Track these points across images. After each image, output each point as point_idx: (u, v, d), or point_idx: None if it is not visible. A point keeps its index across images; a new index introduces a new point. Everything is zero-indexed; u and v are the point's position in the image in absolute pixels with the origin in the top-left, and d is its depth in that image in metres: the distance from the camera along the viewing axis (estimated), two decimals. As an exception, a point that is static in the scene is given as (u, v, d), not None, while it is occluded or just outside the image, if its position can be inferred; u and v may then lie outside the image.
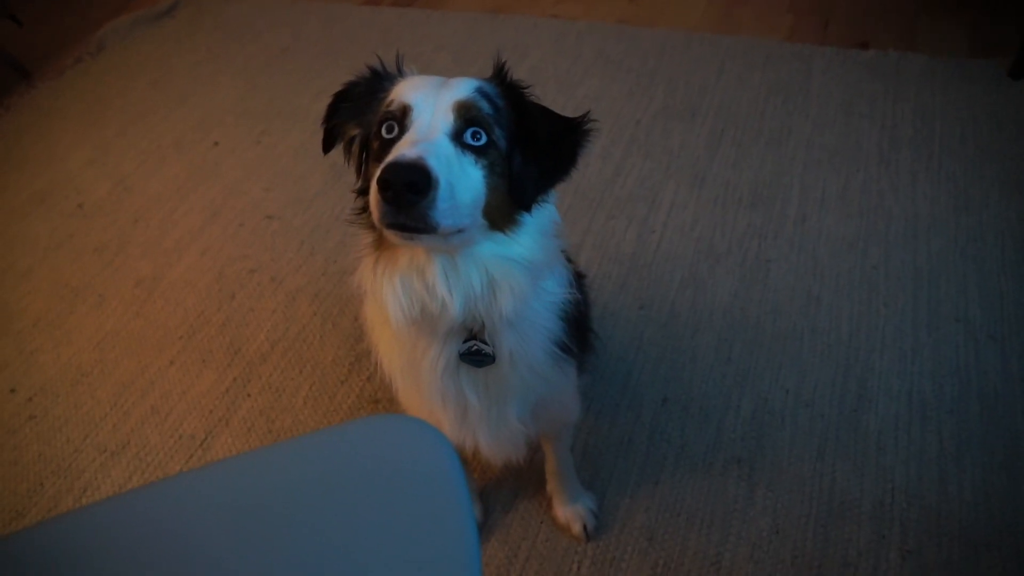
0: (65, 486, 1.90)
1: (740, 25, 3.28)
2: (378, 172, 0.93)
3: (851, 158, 2.55)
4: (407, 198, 0.92)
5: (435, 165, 0.94)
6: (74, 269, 2.49)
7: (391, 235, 1.00)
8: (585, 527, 1.68)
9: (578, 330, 1.30)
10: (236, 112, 3.07)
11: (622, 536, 1.70)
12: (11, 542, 0.80)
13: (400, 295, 1.08)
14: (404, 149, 0.96)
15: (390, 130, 1.04)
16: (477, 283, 1.07)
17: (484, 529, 1.73)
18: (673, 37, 3.22)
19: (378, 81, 1.14)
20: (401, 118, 1.04)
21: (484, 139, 1.03)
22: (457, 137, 1.02)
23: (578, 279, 1.36)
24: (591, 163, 2.48)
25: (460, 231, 1.00)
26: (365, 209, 1.13)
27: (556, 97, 2.87)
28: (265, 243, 2.47)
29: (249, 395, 2.04)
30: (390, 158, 0.95)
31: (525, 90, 1.13)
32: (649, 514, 1.73)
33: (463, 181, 1.00)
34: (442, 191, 0.94)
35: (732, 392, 1.94)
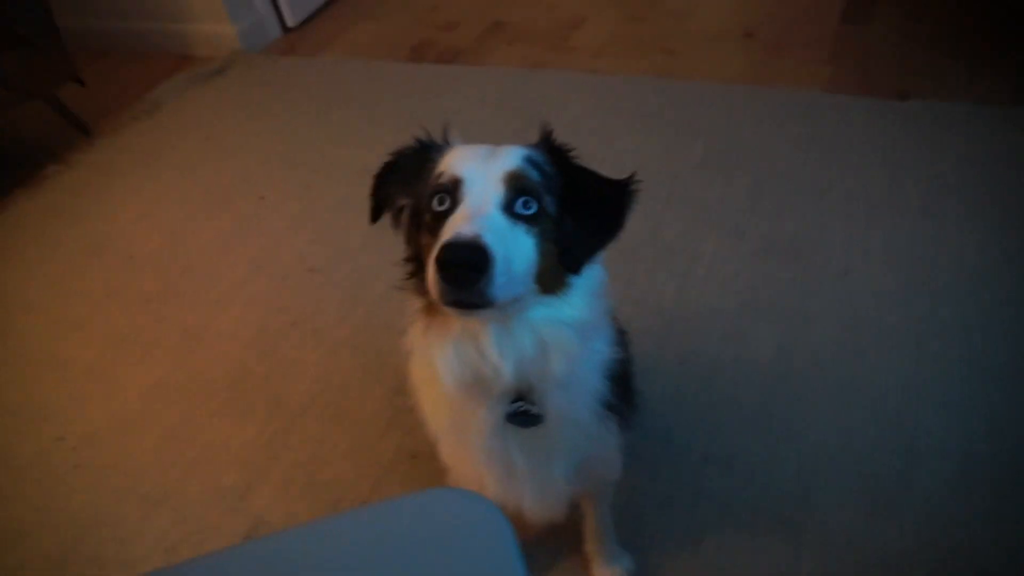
0: (108, 534, 1.92)
1: (778, 76, 3.29)
2: (436, 251, 0.95)
3: (894, 210, 2.51)
4: (466, 277, 0.93)
5: (491, 241, 0.95)
6: (124, 319, 2.56)
7: (449, 311, 1.01)
8: (625, 589, 1.64)
9: (623, 388, 1.30)
10: (282, 166, 3.16)
11: (663, 599, 1.65)
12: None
13: (452, 361, 1.09)
14: (459, 226, 0.97)
15: (442, 202, 1.05)
16: (529, 347, 1.08)
17: (522, 589, 1.69)
18: (711, 90, 3.24)
19: (425, 152, 1.16)
20: (452, 191, 1.05)
21: (535, 208, 1.04)
22: (508, 207, 1.03)
23: (621, 336, 1.36)
24: (631, 218, 2.48)
25: (515, 300, 1.01)
26: (413, 275, 1.16)
27: (595, 151, 2.85)
28: (308, 296, 2.51)
29: (289, 447, 2.05)
30: (447, 237, 0.96)
31: (571, 153, 1.15)
32: (691, 576, 1.68)
33: (517, 252, 1.01)
34: (499, 266, 0.94)
35: (776, 448, 1.89)
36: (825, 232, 2.47)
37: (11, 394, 2.34)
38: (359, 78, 3.74)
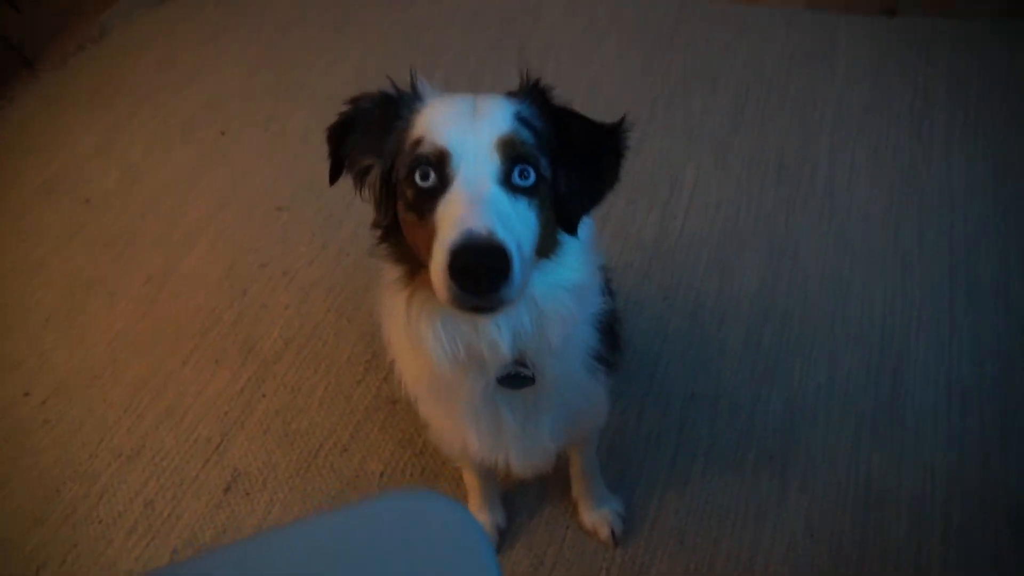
0: (82, 491, 1.87)
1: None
2: (445, 254, 0.85)
3: (880, 128, 2.43)
4: (488, 285, 0.85)
5: (505, 237, 0.86)
6: (85, 263, 2.44)
7: (458, 313, 0.93)
8: (613, 532, 1.63)
9: (611, 337, 1.24)
10: (242, 94, 2.98)
11: (651, 539, 1.65)
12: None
13: (442, 336, 1.02)
14: (465, 218, 0.87)
15: (425, 176, 0.95)
16: (527, 318, 1.02)
17: (508, 535, 1.68)
18: (691, 3, 3.07)
19: (392, 105, 1.04)
20: (438, 165, 0.94)
21: (532, 177, 0.95)
22: (506, 180, 0.94)
23: (607, 282, 1.29)
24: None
25: (525, 288, 0.92)
26: (385, 239, 1.07)
27: (570, 68, 2.74)
28: (276, 235, 2.40)
29: (264, 395, 1.99)
30: (454, 235, 0.85)
31: (555, 96, 1.04)
32: (679, 516, 1.67)
33: (524, 234, 0.93)
34: (515, 263, 0.86)
35: (762, 385, 1.86)
36: (809, 151, 2.38)
37: (-31, 345, 2.24)
38: (319, -6, 3.50)
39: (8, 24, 3.23)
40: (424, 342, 1.03)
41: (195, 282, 2.32)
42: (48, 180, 2.77)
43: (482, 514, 1.65)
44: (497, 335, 1.01)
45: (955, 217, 2.14)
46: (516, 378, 1.10)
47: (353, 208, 2.38)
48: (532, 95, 1.03)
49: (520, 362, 1.08)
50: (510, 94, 1.04)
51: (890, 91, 2.54)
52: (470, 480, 1.62)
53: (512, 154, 0.94)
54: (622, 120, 1.05)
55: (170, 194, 2.63)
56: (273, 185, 2.57)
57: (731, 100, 2.59)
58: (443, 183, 0.94)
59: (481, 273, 0.84)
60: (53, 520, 1.83)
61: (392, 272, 1.07)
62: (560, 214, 1.00)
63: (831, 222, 2.17)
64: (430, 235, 0.91)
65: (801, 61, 2.71)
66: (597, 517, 1.63)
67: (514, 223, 0.91)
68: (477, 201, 0.89)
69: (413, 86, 1.05)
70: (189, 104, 2.98)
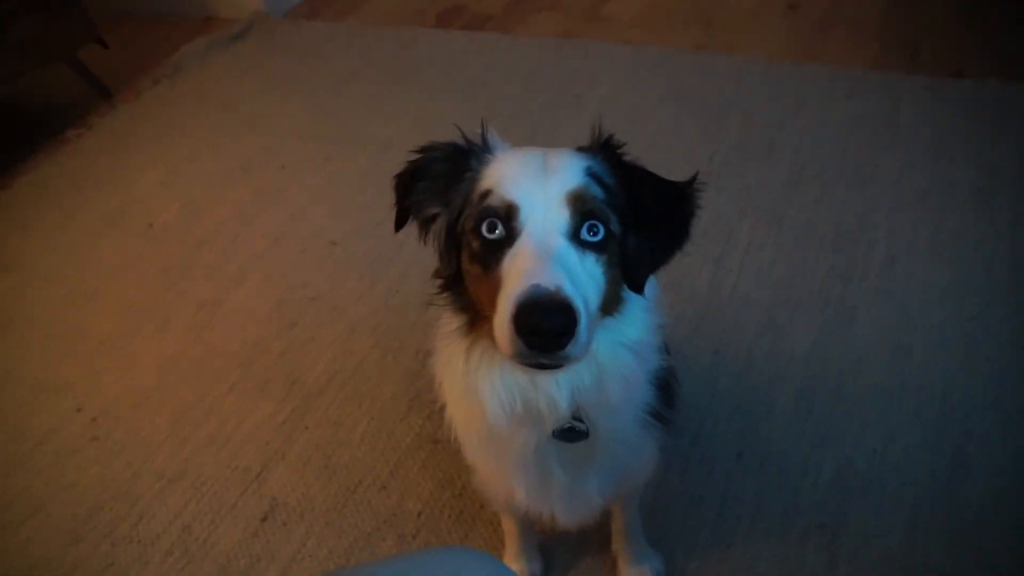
0: (122, 512, 1.88)
1: (823, 53, 3.14)
2: (511, 308, 0.85)
3: (944, 199, 2.38)
4: (554, 343, 0.84)
5: (572, 293, 0.85)
6: (140, 290, 2.51)
7: (521, 369, 0.93)
8: (651, 590, 1.57)
9: (667, 394, 1.22)
10: (303, 136, 3.08)
11: (690, 602, 1.59)
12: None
13: (500, 391, 1.02)
14: (532, 272, 0.86)
15: (492, 229, 0.95)
16: (587, 375, 1.01)
17: (543, 587, 1.63)
18: (751, 66, 3.10)
19: (462, 158, 1.05)
20: (506, 218, 0.94)
21: (601, 233, 0.94)
22: (574, 235, 0.93)
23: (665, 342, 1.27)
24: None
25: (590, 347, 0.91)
26: (445, 289, 1.07)
27: (628, 128, 2.73)
28: (327, 271, 2.44)
29: (307, 428, 2.00)
30: (520, 289, 0.85)
31: (627, 154, 1.04)
32: (720, 580, 1.61)
33: (591, 291, 0.92)
34: (582, 320, 0.85)
35: (813, 450, 1.80)
36: (869, 219, 2.35)
37: (27, 364, 2.30)
38: (384, 45, 3.63)
39: (93, 59, 3.42)
40: (481, 393, 1.02)
41: (245, 313, 2.36)
42: (112, 210, 2.87)
43: (519, 562, 1.60)
44: (556, 391, 1.00)
45: (1021, 295, 2.07)
46: (570, 431, 1.08)
47: (404, 249, 2.41)
48: (603, 151, 1.03)
49: (576, 416, 1.06)
50: (580, 149, 1.04)
51: (954, 161, 2.50)
52: (508, 527, 1.58)
53: (582, 209, 0.94)
54: (694, 179, 1.04)
55: (227, 228, 2.70)
56: (328, 222, 2.63)
57: (789, 164, 2.58)
58: (510, 236, 0.93)
59: (547, 330, 0.83)
60: (92, 538, 1.83)
61: (452, 322, 1.07)
62: (627, 272, 1.00)
63: (890, 291, 2.11)
64: (495, 288, 0.91)
65: (862, 126, 2.70)
66: (636, 574, 1.58)
67: (581, 279, 0.90)
68: (545, 255, 0.89)
69: (484, 138, 1.06)
70: (251, 144, 3.09)
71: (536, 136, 2.78)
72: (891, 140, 2.62)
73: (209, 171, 2.99)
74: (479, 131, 1.07)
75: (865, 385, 1.91)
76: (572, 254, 0.92)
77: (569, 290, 0.85)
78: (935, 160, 2.52)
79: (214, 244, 2.65)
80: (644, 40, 3.39)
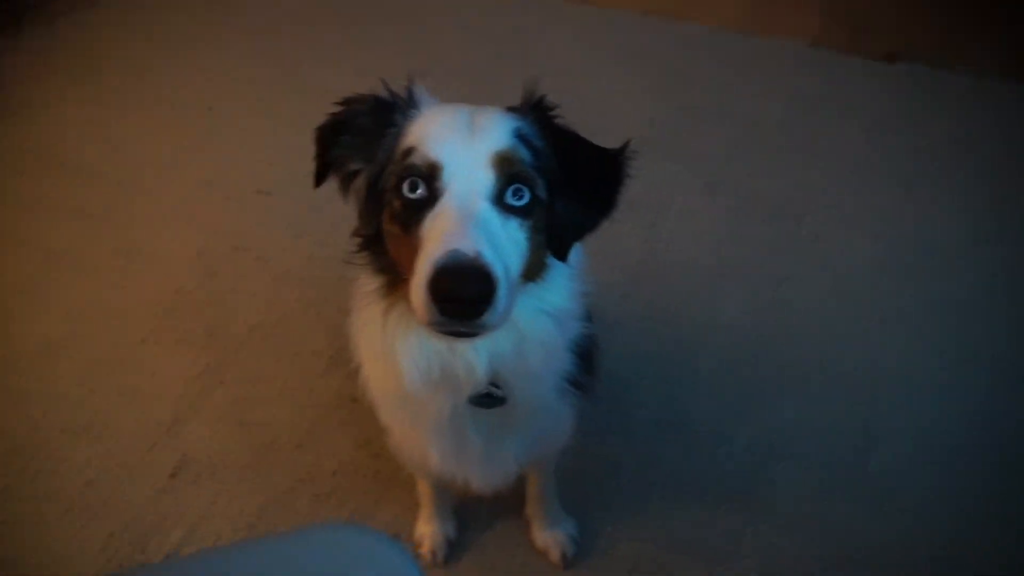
0: (19, 466, 1.79)
1: (769, 23, 3.12)
2: (427, 273, 0.81)
3: (873, 175, 2.42)
4: (471, 310, 0.81)
5: (492, 259, 0.82)
6: (54, 232, 2.36)
7: (436, 336, 0.89)
8: (564, 554, 1.59)
9: (588, 362, 1.20)
10: (237, 77, 2.92)
11: (602, 565, 1.61)
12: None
13: (417, 355, 0.99)
14: (451, 237, 0.83)
15: (414, 187, 0.91)
16: (506, 342, 0.98)
17: (457, 547, 1.63)
18: (699, 32, 3.07)
19: (387, 112, 0.99)
20: (428, 177, 0.90)
21: (527, 197, 0.91)
22: (498, 198, 0.90)
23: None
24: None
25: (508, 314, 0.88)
26: (364, 248, 1.03)
27: (574, 87, 2.70)
28: (254, 220, 2.35)
29: (223, 382, 1.93)
30: (438, 253, 0.81)
31: (558, 115, 1.00)
32: (632, 544, 1.63)
33: (513, 257, 0.89)
34: (501, 288, 0.82)
35: (732, 419, 1.83)
36: (801, 191, 2.37)
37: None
38: (326, -14, 3.46)
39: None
40: (398, 357, 0.99)
41: (166, 260, 2.26)
42: (24, 145, 2.69)
43: (433, 524, 1.60)
44: (474, 358, 0.98)
45: (942, 276, 2.13)
46: (487, 398, 1.06)
47: (335, 201, 2.32)
48: (535, 112, 1.00)
49: (493, 383, 1.04)
50: (511, 109, 1.00)
51: (886, 141, 2.54)
52: (424, 489, 1.57)
53: (508, 172, 0.90)
54: (625, 146, 1.02)
55: (150, 169, 2.56)
56: (258, 169, 2.52)
57: (727, 132, 2.58)
58: (432, 196, 0.90)
59: (464, 298, 0.80)
60: (-14, 494, 1.75)
61: (370, 283, 1.03)
62: (552, 238, 0.97)
63: (817, 265, 2.15)
64: (414, 249, 0.87)
65: (802, 101, 2.71)
66: (550, 538, 1.59)
67: (503, 245, 0.87)
68: (466, 218, 0.85)
69: (410, 92, 1.01)
70: (180, 80, 2.93)
71: (478, 90, 2.68)
72: (827, 115, 2.65)
73: (133, 107, 2.82)
74: (405, 84, 1.02)
75: (787, 356, 1.95)
76: (495, 218, 0.89)
77: (489, 256, 0.82)
78: (866, 138, 2.56)
79: (136, 186, 2.51)
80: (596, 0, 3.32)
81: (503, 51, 2.94)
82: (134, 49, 3.10)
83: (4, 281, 2.23)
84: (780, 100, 2.72)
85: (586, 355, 1.19)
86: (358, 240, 1.05)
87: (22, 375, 1.97)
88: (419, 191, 0.91)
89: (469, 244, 0.82)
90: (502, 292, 0.82)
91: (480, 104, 1.02)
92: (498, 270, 0.82)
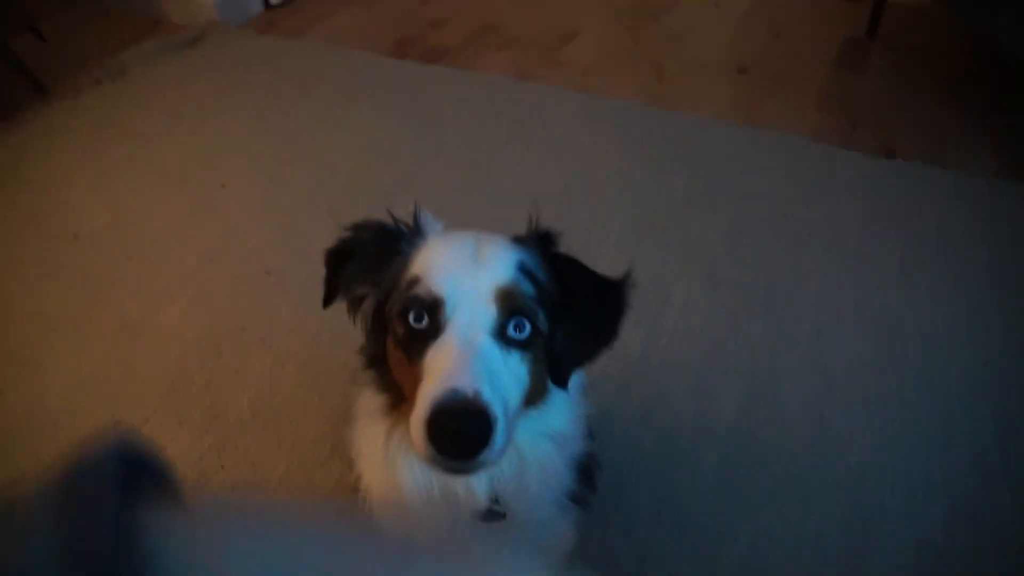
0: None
1: (767, 116, 3.24)
2: (425, 410, 0.82)
3: (871, 270, 2.47)
4: (467, 450, 0.82)
5: (492, 398, 0.83)
6: (59, 302, 2.39)
7: (434, 470, 0.90)
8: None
9: (589, 477, 1.21)
10: (247, 153, 3.00)
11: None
12: None
13: (419, 476, 1.00)
14: (451, 374, 0.84)
15: (419, 318, 0.93)
16: (507, 466, 1.00)
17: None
18: (699, 123, 3.18)
19: (392, 240, 1.04)
20: (431, 310, 0.93)
21: (528, 330, 0.93)
22: (500, 332, 0.92)
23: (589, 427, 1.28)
24: (604, 251, 2.39)
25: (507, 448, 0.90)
26: (369, 365, 1.05)
27: (578, 172, 2.79)
28: (259, 299, 2.37)
29: (223, 466, 1.92)
30: (437, 391, 0.83)
31: (568, 257, 1.04)
32: (632, 649, 1.61)
33: (513, 390, 0.91)
34: (500, 427, 0.83)
35: (731, 518, 1.82)
36: (800, 286, 2.41)
37: (-75, 375, 2.16)
38: (338, 67, 3.59)
39: (29, 52, 3.27)
40: (399, 477, 1.00)
41: (170, 336, 2.27)
42: (36, 213, 2.74)
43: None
44: (475, 481, 1.00)
45: (935, 375, 2.15)
46: (488, 513, 1.07)
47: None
48: (538, 243, 1.03)
49: (493, 499, 1.05)
50: (516, 239, 1.04)
51: (883, 235, 2.60)
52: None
53: (510, 306, 0.93)
54: (626, 276, 1.05)
55: (158, 242, 2.61)
56: (264, 247, 2.56)
57: (727, 224, 2.64)
58: (435, 328, 0.92)
59: (461, 439, 0.81)
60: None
61: (373, 400, 1.05)
62: (552, 367, 0.99)
63: (816, 361, 2.17)
64: (416, 378, 0.89)
65: (800, 192, 2.78)
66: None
67: (503, 379, 0.89)
68: (467, 354, 0.87)
69: (416, 220, 1.05)
70: (192, 155, 3.00)
71: (482, 173, 2.77)
72: (825, 209, 2.72)
73: (145, 180, 2.89)
74: (412, 210, 1.06)
75: (787, 455, 1.95)
76: (496, 352, 0.90)
77: (488, 395, 0.83)
78: (863, 232, 2.61)
79: (143, 259, 2.55)
80: (598, 87, 3.44)
81: (508, 137, 3.03)
82: (152, 123, 3.18)
83: (3, 349, 2.23)
84: (779, 191, 2.79)
85: (585, 471, 1.20)
86: (363, 358, 1.08)
87: (16, 451, 1.96)
88: (423, 322, 0.93)
89: (468, 382, 0.83)
90: (500, 430, 0.83)
91: (487, 232, 1.06)
92: (497, 408, 0.84)
